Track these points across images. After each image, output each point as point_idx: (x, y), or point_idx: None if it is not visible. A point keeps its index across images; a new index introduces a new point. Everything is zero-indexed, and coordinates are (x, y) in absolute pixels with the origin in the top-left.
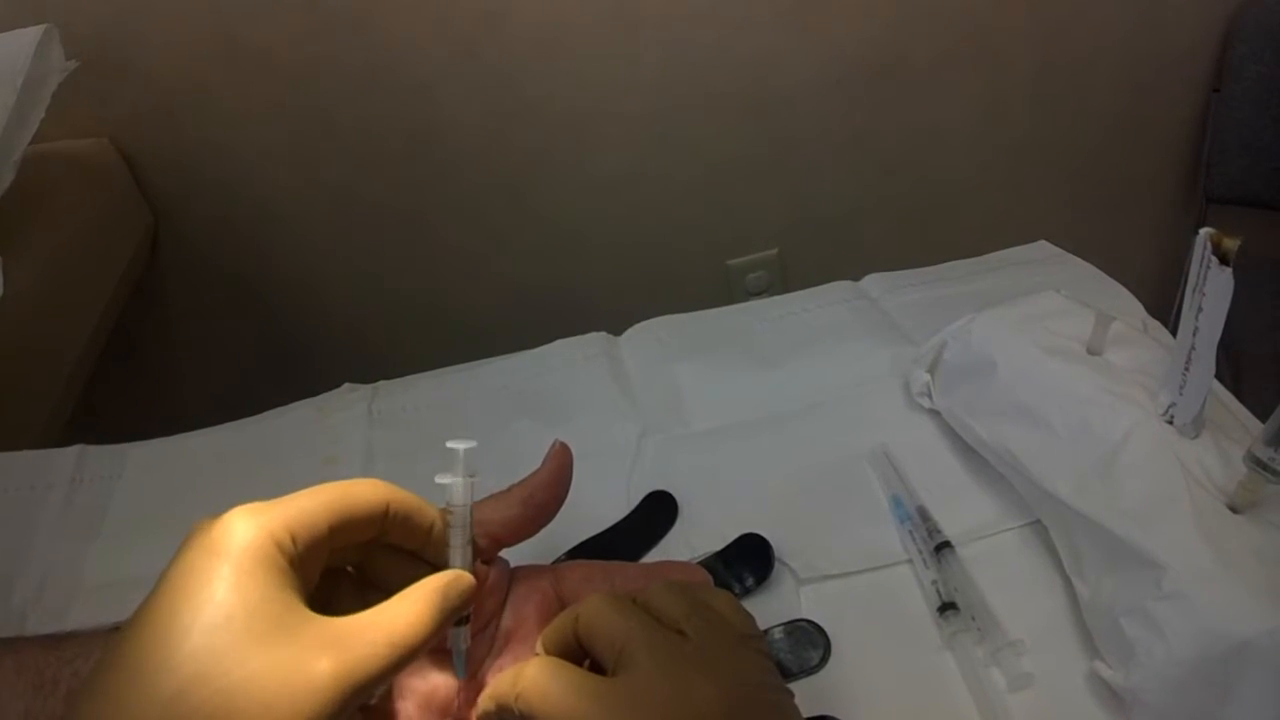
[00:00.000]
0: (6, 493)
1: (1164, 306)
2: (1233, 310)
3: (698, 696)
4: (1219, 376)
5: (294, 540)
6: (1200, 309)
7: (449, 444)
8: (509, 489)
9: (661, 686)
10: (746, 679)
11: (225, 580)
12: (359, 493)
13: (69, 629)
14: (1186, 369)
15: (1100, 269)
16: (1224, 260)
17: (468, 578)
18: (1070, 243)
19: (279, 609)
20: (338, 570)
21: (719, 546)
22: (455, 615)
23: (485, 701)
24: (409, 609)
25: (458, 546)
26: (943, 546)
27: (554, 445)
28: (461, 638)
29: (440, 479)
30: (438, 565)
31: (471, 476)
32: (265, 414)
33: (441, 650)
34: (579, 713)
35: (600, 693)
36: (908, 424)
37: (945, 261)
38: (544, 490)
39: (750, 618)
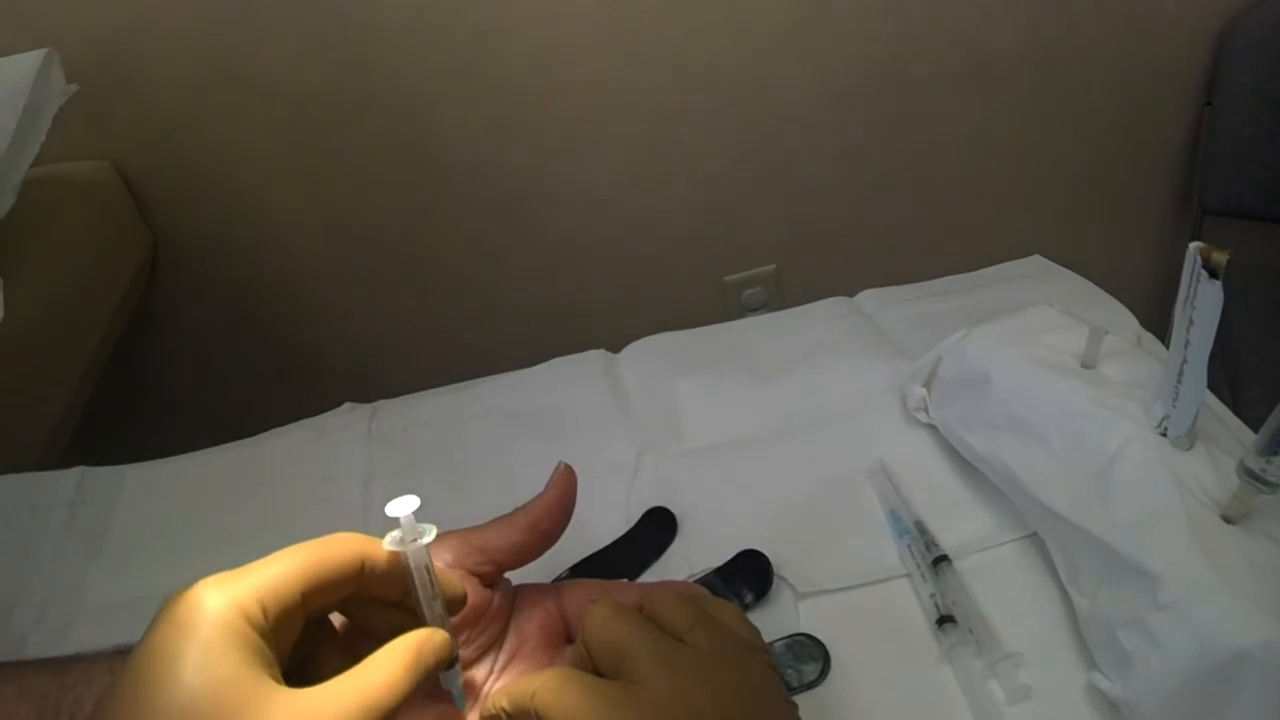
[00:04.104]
0: (7, 514)
1: (1160, 318)
2: (1228, 321)
3: (701, 703)
4: (1215, 387)
5: (264, 611)
6: (1191, 322)
7: (389, 510)
8: (513, 513)
9: (665, 692)
10: (750, 688)
11: (193, 659)
12: (333, 553)
13: (70, 650)
14: (1179, 382)
15: (1096, 282)
16: (1214, 274)
17: (440, 635)
18: (1065, 256)
19: (248, 686)
20: (320, 620)
21: (718, 563)
22: (431, 674)
23: (498, 697)
24: (381, 674)
25: (425, 604)
26: (940, 560)
27: (558, 468)
28: (453, 679)
29: (390, 546)
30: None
31: (416, 539)
32: (265, 434)
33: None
34: (587, 715)
35: (610, 696)
36: (904, 438)
37: (942, 275)
38: (548, 516)
39: (755, 629)
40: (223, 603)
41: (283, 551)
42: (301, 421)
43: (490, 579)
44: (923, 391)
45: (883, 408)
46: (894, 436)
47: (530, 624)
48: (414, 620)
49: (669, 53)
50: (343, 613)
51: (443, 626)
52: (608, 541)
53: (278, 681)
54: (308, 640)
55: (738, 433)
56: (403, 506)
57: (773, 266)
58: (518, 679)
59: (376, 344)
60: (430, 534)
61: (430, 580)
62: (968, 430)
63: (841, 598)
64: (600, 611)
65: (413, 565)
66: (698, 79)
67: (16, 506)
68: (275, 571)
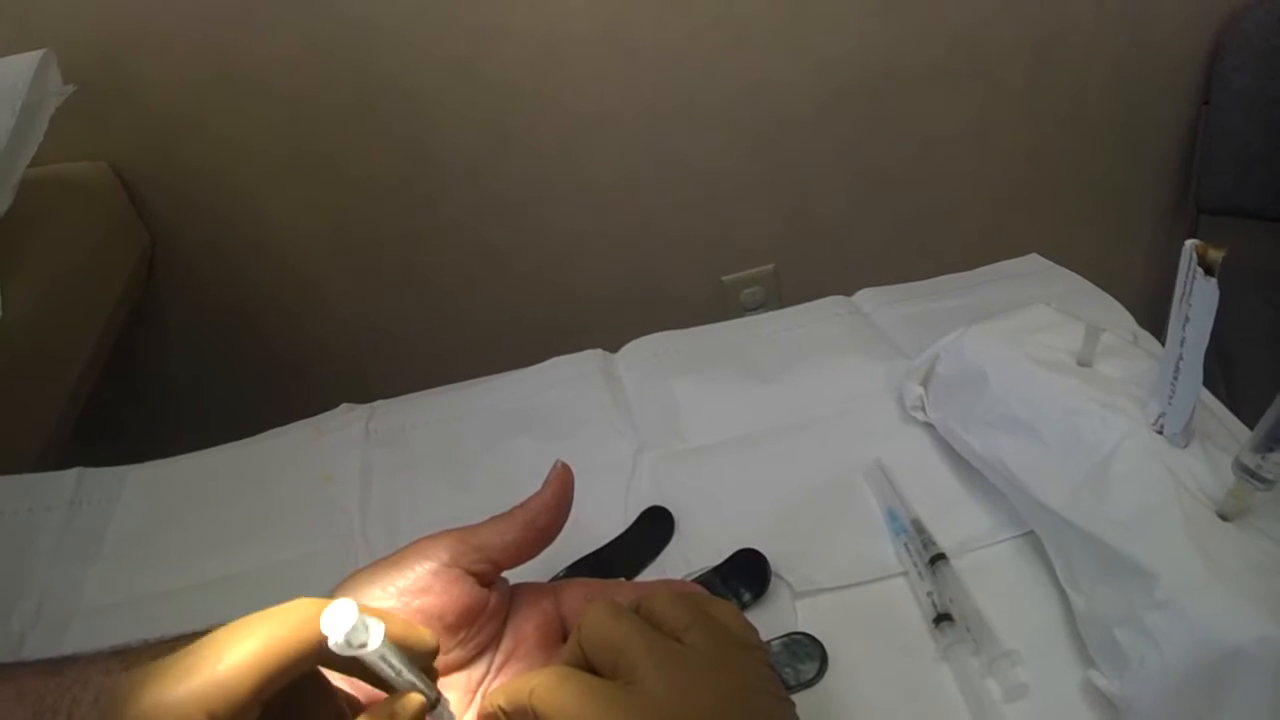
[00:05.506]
0: (5, 515)
1: (1158, 317)
2: (1225, 319)
3: (698, 702)
4: (1212, 385)
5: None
6: (1187, 319)
7: (324, 627)
8: (511, 511)
9: (662, 691)
10: (747, 686)
11: None
12: (287, 640)
13: (67, 651)
14: (1175, 379)
15: (1093, 281)
16: (1209, 271)
17: (413, 701)
18: (1063, 255)
19: None
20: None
21: (716, 562)
22: None
23: (496, 696)
24: None
25: (392, 682)
26: (937, 558)
27: (555, 466)
28: (439, 716)
29: (340, 651)
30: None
31: (364, 644)
32: (263, 434)
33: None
34: (584, 713)
35: (607, 695)
36: (902, 437)
37: (940, 274)
38: (546, 513)
39: (752, 628)
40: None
41: (235, 636)
42: (299, 422)
43: (487, 578)
44: (920, 390)
45: (880, 406)
46: (891, 435)
47: (527, 623)
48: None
49: (667, 52)
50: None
51: (417, 685)
52: (605, 541)
53: None
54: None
55: (735, 432)
56: (337, 623)
57: (771, 266)
58: (515, 677)
59: (374, 344)
60: (377, 634)
61: (391, 664)
62: (965, 428)
63: (839, 596)
64: (597, 611)
65: (369, 662)
66: (696, 78)
67: (15, 507)
68: (221, 673)
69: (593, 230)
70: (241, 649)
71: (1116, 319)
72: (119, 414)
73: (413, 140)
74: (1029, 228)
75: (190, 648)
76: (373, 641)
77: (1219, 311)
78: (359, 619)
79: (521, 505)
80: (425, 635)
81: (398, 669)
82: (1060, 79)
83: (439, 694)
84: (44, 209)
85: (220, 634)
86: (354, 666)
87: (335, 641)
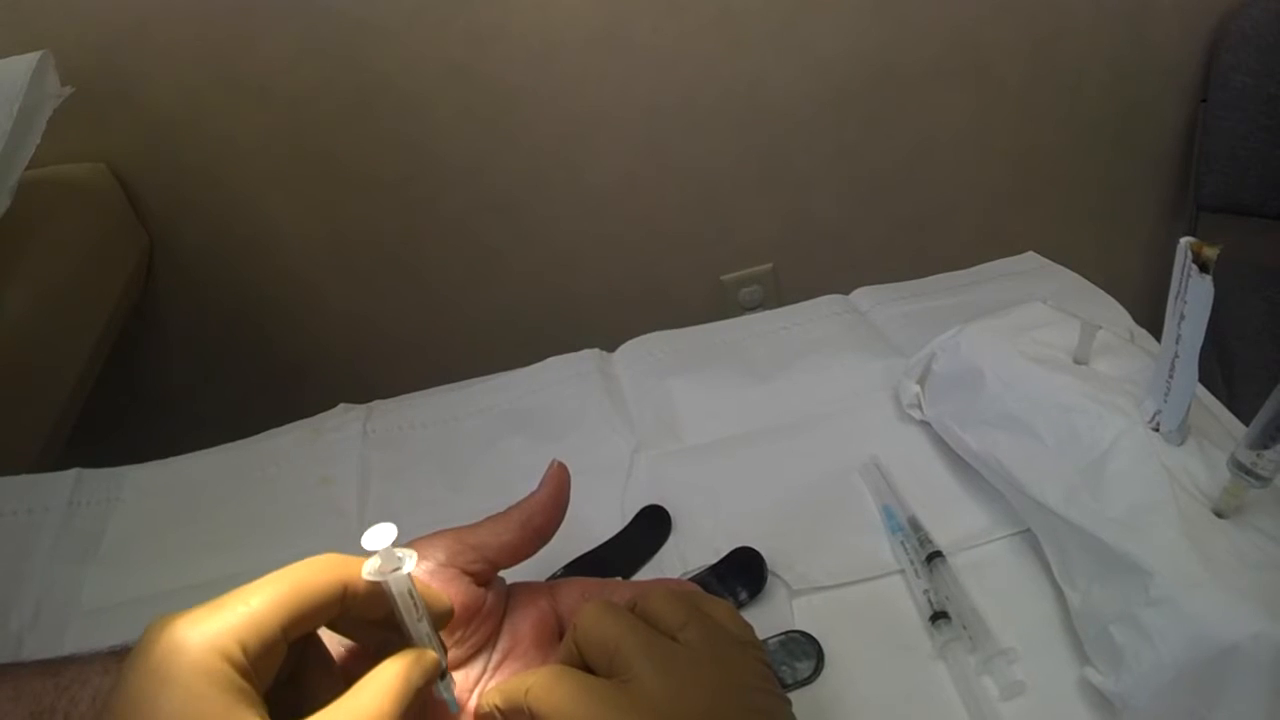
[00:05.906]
0: (3, 516)
1: (1157, 315)
2: (1224, 315)
3: (693, 700)
4: (1211, 382)
5: (245, 650)
6: (1183, 317)
7: (365, 543)
8: (507, 511)
9: (657, 689)
10: (743, 684)
11: (173, 707)
12: (313, 582)
13: (66, 652)
14: (1170, 376)
15: (1093, 279)
16: (1204, 268)
17: (428, 655)
18: (1061, 253)
19: None
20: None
21: (712, 560)
22: (420, 695)
23: (492, 695)
24: (370, 703)
25: (410, 627)
26: (934, 556)
27: (551, 466)
28: (446, 688)
29: (369, 576)
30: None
31: (396, 568)
32: (261, 435)
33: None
34: (580, 712)
35: (602, 694)
36: (898, 435)
37: (938, 273)
38: (542, 513)
39: (748, 625)
40: (201, 646)
41: (261, 581)
42: (297, 422)
43: (484, 577)
44: (916, 388)
45: (876, 405)
46: (888, 433)
47: (524, 623)
48: (400, 636)
49: (665, 52)
50: (329, 628)
51: (430, 643)
52: (602, 540)
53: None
54: (293, 656)
55: (732, 431)
56: (379, 538)
57: (769, 265)
58: (511, 677)
59: (372, 345)
60: (410, 561)
61: (414, 604)
62: (961, 426)
63: (835, 594)
64: (592, 610)
65: (394, 593)
66: (694, 78)
67: (13, 508)
68: (254, 606)
69: (591, 230)
70: (268, 591)
71: (1113, 316)
72: (117, 415)
73: (412, 140)
74: (1027, 226)
75: (214, 599)
76: (406, 566)
77: (1218, 308)
78: (390, 550)
79: (518, 505)
80: (442, 595)
81: (419, 613)
82: (1058, 77)
83: (448, 669)
84: (42, 211)
85: (244, 586)
86: (367, 626)
87: (369, 569)
